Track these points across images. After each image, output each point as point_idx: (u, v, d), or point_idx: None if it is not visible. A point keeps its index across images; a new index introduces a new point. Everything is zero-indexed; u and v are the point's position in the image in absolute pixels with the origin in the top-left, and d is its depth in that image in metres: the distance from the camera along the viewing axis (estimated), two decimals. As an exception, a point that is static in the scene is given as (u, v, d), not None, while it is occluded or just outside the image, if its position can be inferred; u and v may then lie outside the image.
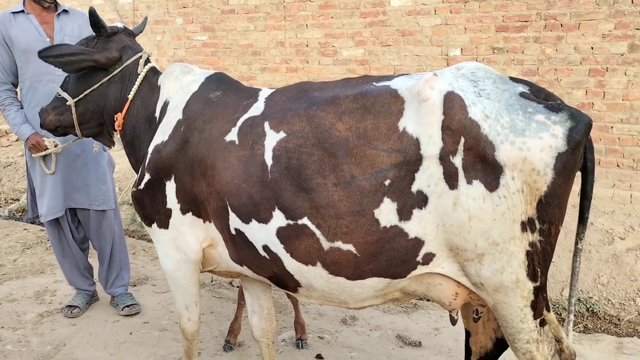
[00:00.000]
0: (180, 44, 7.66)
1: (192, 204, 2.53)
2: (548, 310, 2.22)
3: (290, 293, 2.49)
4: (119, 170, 6.78)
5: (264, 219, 2.30)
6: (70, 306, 3.99)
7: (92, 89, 2.91)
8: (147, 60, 2.93)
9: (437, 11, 6.03)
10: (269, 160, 2.27)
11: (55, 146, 3.56)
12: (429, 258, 2.16)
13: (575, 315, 4.41)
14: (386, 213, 2.12)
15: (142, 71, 2.86)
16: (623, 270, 4.91)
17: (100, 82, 2.89)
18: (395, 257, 2.16)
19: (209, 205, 2.47)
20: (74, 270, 4.03)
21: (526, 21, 5.65)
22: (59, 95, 3.02)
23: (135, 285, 4.50)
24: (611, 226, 5.34)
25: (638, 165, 5.43)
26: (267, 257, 2.36)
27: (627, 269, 4.90)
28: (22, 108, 3.67)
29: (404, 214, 2.11)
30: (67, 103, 2.96)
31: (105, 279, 4.10)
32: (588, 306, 4.61)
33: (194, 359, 2.98)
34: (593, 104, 5.40)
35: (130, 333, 3.78)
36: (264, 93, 2.51)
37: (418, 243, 2.13)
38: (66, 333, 3.75)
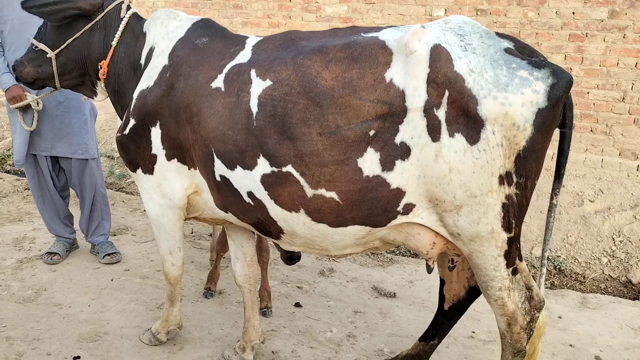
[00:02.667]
0: (160, -6, 7.46)
1: (177, 150, 2.55)
2: (520, 260, 2.33)
3: (274, 240, 2.56)
4: (96, 122, 6.69)
5: (249, 166, 2.33)
6: (50, 253, 4.01)
7: (74, 38, 2.85)
8: (128, 7, 2.88)
9: (423, -30, 5.98)
10: (254, 108, 2.29)
11: (37, 103, 3.52)
12: (409, 208, 2.23)
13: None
14: (369, 163, 2.17)
15: (125, 16, 2.82)
16: (590, 231, 5.11)
17: (83, 30, 2.84)
18: (376, 206, 2.23)
19: (195, 151, 2.50)
20: (54, 217, 4.03)
21: (510, -17, 5.65)
22: (35, 47, 2.95)
23: (115, 235, 4.53)
24: (582, 189, 5.52)
25: (611, 130, 5.58)
26: (252, 203, 2.41)
27: (594, 230, 5.09)
28: (4, 55, 3.58)
29: (387, 164, 2.16)
30: (47, 55, 2.90)
31: (86, 227, 4.11)
32: (556, 264, 4.81)
33: (177, 304, 3.05)
34: (571, 69, 5.48)
35: (112, 279, 3.83)
36: (251, 41, 2.51)
37: (399, 193, 2.20)
38: (46, 279, 3.78)
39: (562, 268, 4.79)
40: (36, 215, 4.81)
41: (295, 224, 2.35)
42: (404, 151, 2.14)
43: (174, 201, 2.65)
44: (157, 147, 2.57)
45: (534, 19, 5.61)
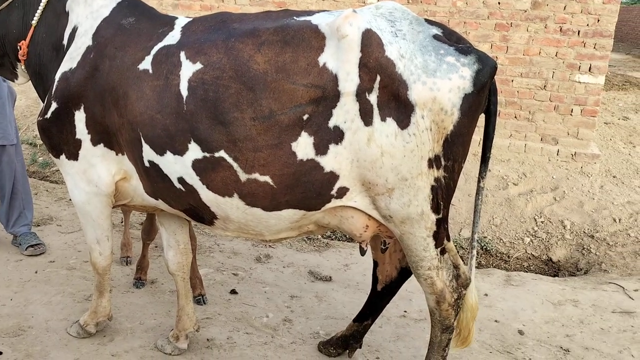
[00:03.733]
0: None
1: (103, 135, 2.45)
2: (448, 240, 2.42)
3: (207, 226, 2.52)
4: (17, 107, 6.32)
5: (179, 151, 2.28)
6: (-34, 246, 3.77)
7: None
8: None
9: (356, -44, 6.01)
10: (184, 91, 2.24)
11: None
12: (342, 192, 2.26)
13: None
14: (303, 147, 2.17)
15: None
16: (514, 212, 5.38)
17: None
18: (310, 189, 2.24)
19: (122, 136, 2.41)
20: (-30, 207, 3.79)
21: (440, -28, 5.79)
22: None
23: (39, 226, 4.32)
24: (506, 173, 5.78)
25: (533, 117, 5.87)
26: (183, 189, 2.36)
27: (517, 212, 5.36)
28: None
29: (321, 148, 2.17)
30: None
31: (6, 217, 3.89)
32: (482, 245, 5.03)
33: (106, 294, 2.95)
34: (497, 57, 5.70)
35: (36, 272, 3.65)
36: (181, 22, 2.44)
37: (333, 177, 2.22)
38: (-37, 273, 3.56)
39: (488, 248, 5.02)
40: (-50, 206, 4.51)
41: (229, 209, 2.33)
42: (338, 135, 2.16)
43: (101, 188, 2.55)
44: (81, 131, 2.46)
45: (463, 8, 5.78)
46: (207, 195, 2.33)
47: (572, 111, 5.78)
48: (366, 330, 2.93)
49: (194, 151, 2.25)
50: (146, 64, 2.32)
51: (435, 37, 2.18)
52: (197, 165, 2.27)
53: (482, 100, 2.21)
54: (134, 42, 2.39)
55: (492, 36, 5.75)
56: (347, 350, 2.96)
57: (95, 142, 2.47)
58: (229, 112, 2.17)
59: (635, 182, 5.87)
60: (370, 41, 2.10)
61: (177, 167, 2.31)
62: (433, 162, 2.19)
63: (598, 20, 5.43)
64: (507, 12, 5.68)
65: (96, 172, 2.52)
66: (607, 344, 3.39)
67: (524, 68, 5.72)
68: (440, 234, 2.34)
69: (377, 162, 2.16)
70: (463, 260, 2.57)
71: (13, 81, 2.94)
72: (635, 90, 11.55)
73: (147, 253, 3.60)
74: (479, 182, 2.46)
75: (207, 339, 3.09)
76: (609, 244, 4.94)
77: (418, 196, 2.22)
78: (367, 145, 2.15)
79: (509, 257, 5.02)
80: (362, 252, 2.56)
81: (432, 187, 2.23)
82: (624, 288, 4.10)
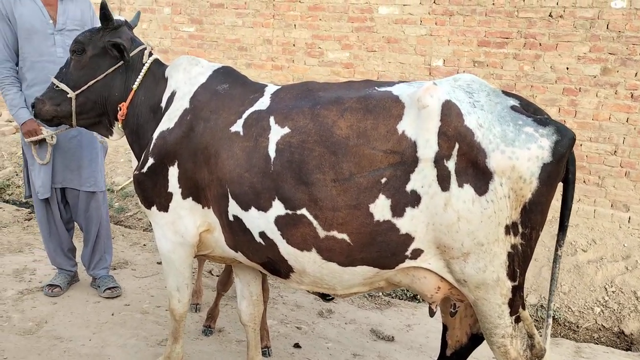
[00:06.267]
0: (166, 34, 7.68)
1: (193, 190, 2.63)
2: (523, 308, 2.41)
3: (282, 279, 2.62)
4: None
5: (264, 208, 2.42)
6: (51, 285, 4.01)
7: (96, 80, 2.95)
8: (150, 53, 3.01)
9: (423, 22, 6.23)
10: (272, 153, 2.39)
11: (52, 138, 3.61)
12: (417, 253, 2.32)
13: (539, 320, 4.67)
14: (380, 208, 2.27)
15: (147, 62, 2.94)
16: (584, 280, 5.20)
17: (105, 74, 2.95)
18: (385, 249, 2.32)
19: (210, 191, 2.58)
20: (58, 250, 4.05)
21: (507, 38, 5.90)
22: (56, 86, 3.03)
23: (115, 269, 4.54)
24: (575, 238, 5.63)
25: (602, 182, 5.74)
26: (263, 243, 2.48)
27: (587, 280, 5.18)
28: (21, 89, 3.68)
29: (397, 210, 2.26)
30: (68, 95, 2.98)
31: (88, 260, 4.14)
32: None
33: (180, 340, 3.07)
34: (565, 121, 5.67)
35: (112, 314, 3.83)
36: (270, 89, 2.63)
37: (408, 239, 2.29)
38: (47, 311, 3.78)
39: (556, 317, 4.85)
40: (36, 246, 4.83)
41: (306, 263, 2.43)
42: (414, 199, 2.24)
43: (187, 238, 2.71)
44: (173, 185, 2.65)
45: (530, 72, 5.84)
46: (286, 249, 2.44)
47: (645, 178, 5.62)
48: (433, 395, 2.90)
49: (277, 208, 2.38)
50: (237, 127, 2.50)
51: (513, 108, 2.26)
52: (279, 221, 2.39)
53: (560, 170, 2.25)
54: (228, 106, 2.59)
55: (560, 100, 5.75)
56: (413, 414, 2.93)
57: (184, 196, 2.65)
58: (312, 173, 2.31)
59: None
60: (450, 111, 2.20)
61: (260, 222, 2.44)
62: (510, 229, 2.22)
63: (671, 88, 5.35)
64: (575, 77, 5.69)
65: (183, 223, 2.69)
66: None
67: (593, 133, 5.66)
68: (516, 302, 2.34)
69: (453, 226, 2.22)
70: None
71: (107, 137, 3.20)
72: None
73: (219, 302, 3.72)
74: (556, 249, 2.46)
75: (273, 392, 3.14)
76: (687, 319, 4.67)
77: (494, 262, 2.25)
78: (444, 210, 2.21)
79: (577, 327, 4.83)
80: (432, 314, 2.58)
81: (509, 254, 2.25)
82: None
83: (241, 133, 2.49)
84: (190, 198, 2.65)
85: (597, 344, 4.60)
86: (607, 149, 5.67)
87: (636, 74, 5.46)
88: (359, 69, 6.54)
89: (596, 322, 4.86)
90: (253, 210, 2.45)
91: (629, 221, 5.67)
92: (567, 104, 5.75)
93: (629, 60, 5.46)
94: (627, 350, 4.57)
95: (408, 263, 2.35)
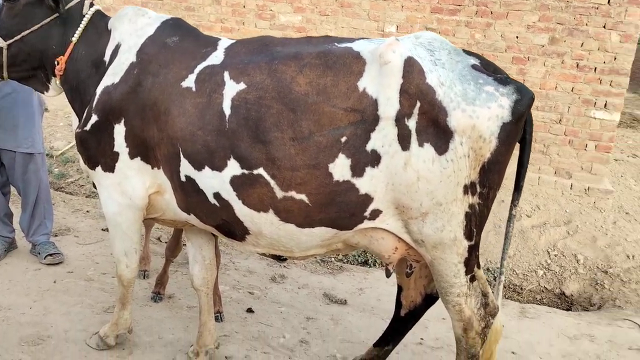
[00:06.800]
0: (109, -9, 7.25)
1: (141, 149, 2.49)
2: (478, 267, 2.44)
3: (237, 242, 2.54)
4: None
5: (218, 167, 2.32)
6: (-14, 252, 3.78)
7: (30, 30, 2.71)
8: (91, 4, 2.79)
9: (377, -14, 6.14)
10: (227, 110, 2.28)
11: None
12: (376, 214, 2.29)
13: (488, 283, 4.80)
14: (340, 168, 2.21)
15: (88, 13, 2.73)
16: (528, 244, 5.38)
17: (41, 24, 2.71)
18: (344, 210, 2.27)
19: (159, 151, 2.45)
20: (-7, 215, 3.81)
21: (459, 5, 5.90)
22: None
23: (56, 236, 4.32)
24: (520, 204, 5.80)
25: (547, 150, 5.91)
26: (218, 204, 2.39)
27: (531, 244, 5.37)
28: None
29: (357, 170, 2.21)
30: None
31: (27, 226, 3.91)
32: (495, 275, 5.02)
33: (128, 307, 2.96)
34: (514, 90, 5.76)
35: (54, 281, 3.65)
36: (224, 43, 2.50)
37: (367, 199, 2.25)
38: (-18, 279, 3.57)
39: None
40: (-31, 212, 4.52)
41: (263, 224, 2.36)
42: (375, 158, 2.19)
43: (135, 201, 2.58)
44: (119, 144, 2.50)
45: (481, 41, 5.88)
46: (242, 211, 2.35)
47: (586, 146, 5.83)
48: (386, 356, 2.93)
49: (233, 168, 2.29)
50: (189, 82, 2.37)
51: (474, 66, 2.24)
52: (234, 181, 2.30)
53: (519, 129, 2.26)
54: (178, 60, 2.44)
55: (509, 69, 5.82)
56: (367, 375, 2.95)
57: (132, 156, 2.51)
58: (270, 131, 2.22)
59: (648, 219, 5.88)
60: (412, 68, 2.15)
61: (215, 182, 2.34)
62: (469, 189, 2.22)
63: (615, 58, 5.51)
64: (524, 46, 5.78)
65: (131, 184, 2.55)
66: (625, 380, 3.37)
67: (540, 102, 5.78)
68: (472, 261, 2.36)
69: (412, 186, 2.19)
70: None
71: (43, 93, 2.96)
72: (646, 129, 11.63)
73: (168, 269, 3.61)
74: (511, 209, 2.49)
75: (226, 357, 3.08)
76: (622, 280, 4.93)
77: (452, 222, 2.25)
78: (404, 170, 2.18)
79: (522, 289, 5.01)
80: (388, 275, 2.57)
81: (466, 214, 2.25)
82: (639, 325, 4.08)
83: (193, 89, 2.36)
84: (139, 158, 2.51)
85: (540, 304, 4.78)
86: (553, 118, 5.83)
87: (582, 44, 5.59)
88: (311, 33, 6.40)
89: (539, 284, 5.05)
90: (207, 170, 2.34)
91: (571, 188, 5.89)
92: (516, 73, 5.83)
93: (575, 31, 5.58)
94: (567, 310, 4.78)
95: (366, 224, 2.32)
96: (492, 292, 2.55)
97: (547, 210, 5.75)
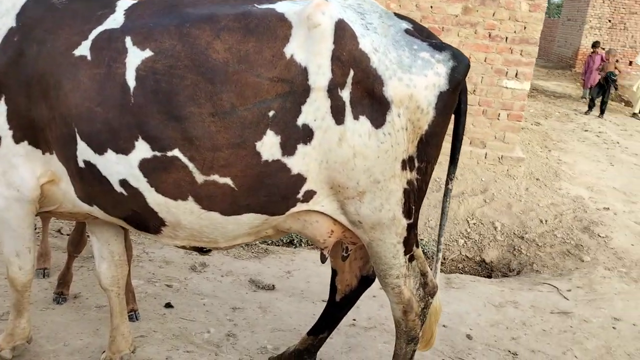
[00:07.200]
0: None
1: (28, 131, 2.09)
2: (417, 246, 2.30)
3: (152, 235, 2.23)
4: None
5: (124, 150, 1.99)
6: None
7: None
8: None
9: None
10: (131, 82, 1.95)
11: None
12: (309, 195, 2.07)
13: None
14: (269, 146, 1.96)
15: None
16: (448, 214, 5.42)
17: None
18: (275, 193, 2.04)
19: (51, 132, 2.07)
20: None
21: (374, -26, 5.74)
22: None
23: None
24: (439, 175, 5.82)
25: (463, 120, 5.97)
26: (125, 193, 2.06)
27: (451, 214, 5.42)
28: None
29: (288, 148, 1.97)
30: None
31: None
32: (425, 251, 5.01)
33: (25, 313, 2.56)
34: (430, 60, 5.74)
35: None
36: (123, 3, 2.13)
37: (300, 179, 2.03)
38: None
39: (425, 251, 5.01)
40: None
41: (182, 214, 2.07)
42: (306, 134, 1.97)
43: (24, 193, 2.18)
44: (1, 127, 2.09)
45: (396, 10, 5.76)
46: (155, 200, 2.05)
47: (499, 115, 5.95)
48: (322, 344, 2.76)
49: (142, 150, 1.97)
50: (83, 50, 2.00)
51: (407, 31, 2.06)
52: (145, 165, 1.98)
53: (456, 98, 2.12)
54: (68, 24, 2.05)
55: (424, 39, 5.78)
56: (301, 366, 2.77)
57: (17, 139, 2.10)
58: (185, 106, 1.92)
59: (556, 184, 6.15)
60: (343, 32, 1.93)
61: (120, 167, 2.01)
62: (407, 164, 2.06)
63: (525, 28, 5.62)
64: (439, 16, 5.74)
65: (18, 174, 2.15)
66: (551, 345, 3.44)
67: (455, 72, 5.80)
68: (411, 240, 2.22)
69: (348, 163, 1.99)
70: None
71: None
72: (543, 98, 12.28)
73: (71, 265, 3.21)
74: (447, 184, 2.37)
75: (144, 360, 2.78)
76: (538, 244, 5.10)
77: (390, 200, 2.08)
78: (339, 146, 1.98)
79: (445, 259, 5.05)
80: (324, 260, 2.38)
81: (405, 191, 2.09)
82: (558, 289, 4.22)
83: (88, 57, 1.99)
84: (26, 142, 2.11)
85: (462, 273, 4.84)
86: (467, 88, 5.87)
87: (494, 13, 5.64)
88: None
89: (460, 253, 5.12)
90: (110, 153, 2.01)
91: (485, 157, 6.00)
92: (431, 43, 5.79)
93: (487, 0, 5.60)
94: (488, 277, 4.88)
95: (300, 207, 2.10)
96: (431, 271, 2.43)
97: (464, 179, 5.84)
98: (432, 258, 5.03)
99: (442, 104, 2.03)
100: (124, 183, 2.05)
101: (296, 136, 1.96)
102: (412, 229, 2.20)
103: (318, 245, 2.31)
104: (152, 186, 2.02)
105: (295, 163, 1.99)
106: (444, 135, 2.15)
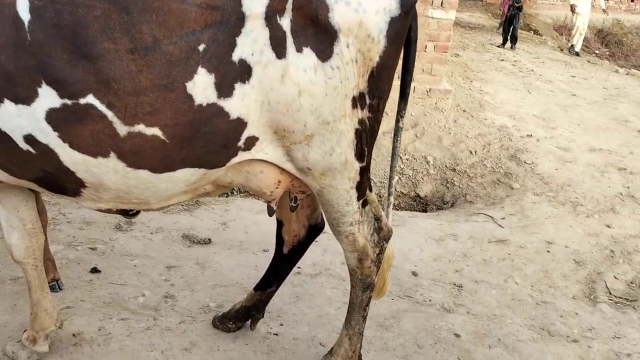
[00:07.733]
0: None
1: None
2: (370, 190, 2.14)
3: (71, 198, 1.92)
4: None
5: (25, 99, 1.65)
6: None
7: None
8: None
9: None
10: (24, 14, 1.59)
11: None
12: (251, 142, 1.83)
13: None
14: (202, 87, 1.68)
15: None
16: (381, 152, 5.34)
17: None
18: (213, 142, 1.78)
19: None
20: None
21: None
22: None
23: None
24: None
25: (390, 54, 5.81)
26: (33, 150, 1.73)
27: (384, 151, 5.33)
28: None
29: (224, 88, 1.71)
30: None
31: None
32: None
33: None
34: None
35: None
36: None
37: (240, 125, 1.78)
38: None
39: (360, 190, 4.93)
40: None
41: (104, 173, 1.77)
42: (244, 71, 1.70)
43: None
44: None
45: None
46: (70, 157, 1.73)
47: (425, 47, 5.83)
48: (270, 298, 2.60)
49: (48, 97, 1.63)
50: (-45, -25, 1.59)
51: None
52: (53, 116, 1.65)
53: (407, 25, 1.91)
54: None
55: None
56: (250, 322, 2.61)
57: None
58: (97, 41, 1.59)
59: (481, 114, 6.20)
60: (279, -53, 1.65)
61: (23, 120, 1.67)
62: (357, 101, 1.85)
63: (449, -46, 5.44)
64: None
65: None
66: (492, 274, 3.49)
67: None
68: (364, 185, 2.05)
69: (293, 103, 1.76)
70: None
71: None
72: (460, 29, 12.34)
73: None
74: (397, 121, 2.21)
75: (74, 334, 2.50)
76: (469, 175, 5.15)
77: (341, 142, 1.89)
78: (281, 83, 1.73)
79: (380, 196, 4.99)
80: (271, 213, 2.17)
81: (357, 131, 1.90)
82: (492, 217, 4.28)
83: (-35, -15, 1.59)
84: None
85: (399, 210, 4.82)
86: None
87: (419, -61, 5.39)
88: None
89: (396, 190, 5.07)
90: (8, 104, 1.66)
91: (414, 91, 5.91)
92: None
93: None
94: (424, 211, 4.89)
95: (241, 156, 1.86)
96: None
97: (393, 115, 5.73)
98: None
99: (394, 32, 1.82)
100: (29, 139, 1.71)
101: (233, 74, 1.69)
102: (365, 172, 2.03)
103: (265, 198, 2.09)
104: (64, 141, 1.70)
105: (234, 106, 1.73)
106: (396, 67, 1.96)
